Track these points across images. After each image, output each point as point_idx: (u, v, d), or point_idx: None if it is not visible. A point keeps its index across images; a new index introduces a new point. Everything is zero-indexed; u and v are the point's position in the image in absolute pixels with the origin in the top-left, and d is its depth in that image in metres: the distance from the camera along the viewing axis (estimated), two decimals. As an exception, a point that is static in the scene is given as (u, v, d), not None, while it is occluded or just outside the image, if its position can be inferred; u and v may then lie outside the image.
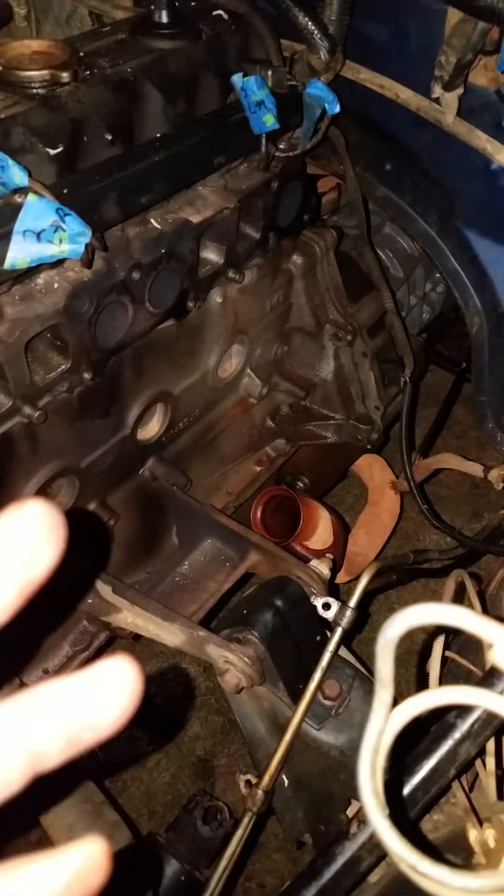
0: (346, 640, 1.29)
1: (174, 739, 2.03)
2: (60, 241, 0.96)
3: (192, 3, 1.44)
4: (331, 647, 1.25)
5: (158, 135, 1.25)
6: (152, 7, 1.33)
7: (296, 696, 1.27)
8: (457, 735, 0.86)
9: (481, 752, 0.92)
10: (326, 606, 1.28)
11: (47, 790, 1.19)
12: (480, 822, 0.93)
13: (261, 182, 1.44)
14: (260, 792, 1.23)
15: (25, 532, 0.28)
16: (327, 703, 1.32)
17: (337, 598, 1.28)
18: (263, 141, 1.38)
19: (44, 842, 1.27)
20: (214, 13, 1.42)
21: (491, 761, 0.95)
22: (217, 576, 1.48)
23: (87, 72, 1.20)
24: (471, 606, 1.18)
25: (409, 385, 1.87)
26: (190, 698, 2.11)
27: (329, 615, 1.27)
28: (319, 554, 1.78)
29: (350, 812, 1.28)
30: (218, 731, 2.06)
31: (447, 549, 1.95)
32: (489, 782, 0.96)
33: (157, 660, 2.15)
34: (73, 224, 0.96)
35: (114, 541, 1.47)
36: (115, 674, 0.29)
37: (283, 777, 1.34)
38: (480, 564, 2.12)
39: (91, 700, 0.29)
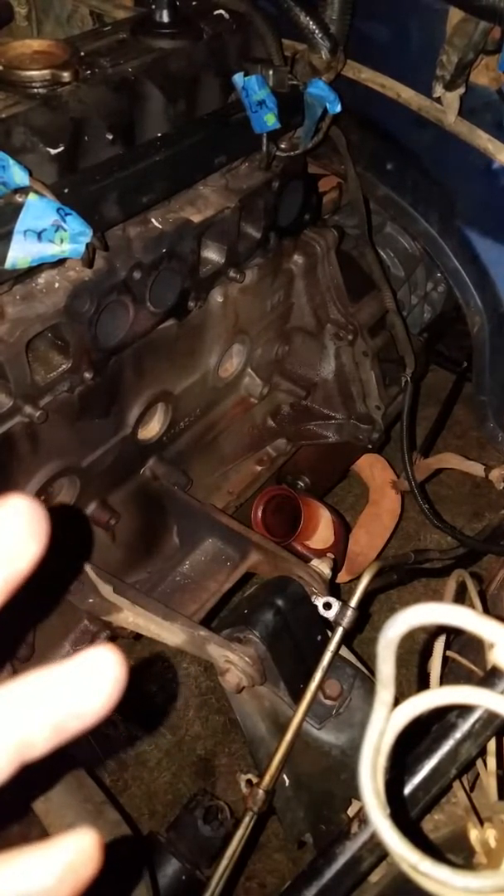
0: (346, 640, 1.29)
1: (174, 737, 2.03)
2: (61, 241, 0.96)
3: (193, 3, 1.44)
4: (332, 646, 1.24)
5: (159, 134, 1.25)
6: (153, 7, 1.33)
7: (297, 696, 1.27)
8: (458, 735, 0.86)
9: (482, 752, 0.92)
10: (327, 606, 1.27)
11: (36, 779, 1.20)
12: (481, 822, 0.93)
13: (262, 182, 1.44)
14: (261, 791, 1.23)
15: (8, 528, 0.29)
16: (328, 702, 1.32)
17: (338, 597, 1.28)
18: (264, 140, 1.38)
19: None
20: (215, 13, 1.42)
21: (492, 761, 0.95)
22: (218, 575, 1.48)
23: (88, 71, 1.20)
24: (472, 606, 1.18)
25: (410, 385, 1.87)
26: (190, 696, 2.11)
27: (330, 615, 1.27)
28: (320, 554, 1.78)
29: (351, 812, 1.28)
30: (219, 730, 2.06)
31: (448, 548, 1.95)
32: (490, 782, 0.96)
33: (157, 659, 2.15)
34: (74, 224, 0.96)
35: (113, 540, 1.47)
36: (99, 663, 0.29)
37: (284, 777, 1.34)
38: (481, 564, 2.12)
39: (76, 689, 0.29)
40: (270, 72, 1.36)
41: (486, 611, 1.36)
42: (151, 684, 2.11)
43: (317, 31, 1.41)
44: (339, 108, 1.40)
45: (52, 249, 0.96)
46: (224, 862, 1.22)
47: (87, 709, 0.29)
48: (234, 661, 1.23)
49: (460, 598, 1.24)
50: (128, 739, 1.97)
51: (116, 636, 1.47)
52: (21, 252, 0.94)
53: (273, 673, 1.30)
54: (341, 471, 2.25)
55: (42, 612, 1.29)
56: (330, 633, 1.27)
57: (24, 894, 0.27)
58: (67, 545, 1.28)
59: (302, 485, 2.00)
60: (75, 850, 0.28)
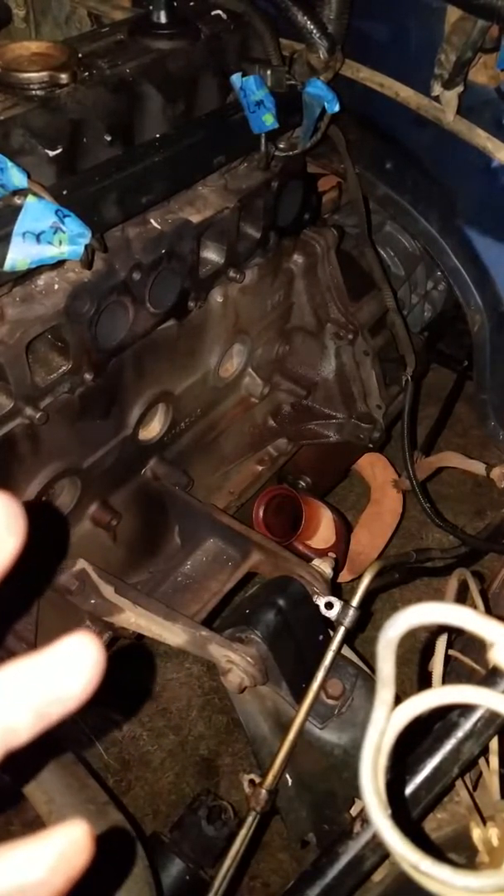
0: (348, 639, 1.29)
1: (178, 737, 2.04)
2: (60, 243, 0.96)
3: (191, 3, 1.44)
4: (333, 646, 1.24)
5: (158, 135, 1.25)
6: (151, 7, 1.33)
7: (299, 696, 1.27)
8: (460, 734, 0.86)
9: (484, 751, 0.92)
10: (329, 606, 1.27)
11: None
12: (484, 821, 0.93)
13: (261, 182, 1.44)
14: (263, 791, 1.23)
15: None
16: (330, 702, 1.32)
17: (339, 597, 1.28)
18: (263, 140, 1.38)
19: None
20: (213, 13, 1.42)
21: (494, 760, 0.95)
22: (219, 575, 1.48)
23: (87, 73, 1.20)
24: (473, 605, 1.18)
25: (411, 383, 1.87)
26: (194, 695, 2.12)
27: (331, 614, 1.27)
28: (321, 553, 1.78)
29: (353, 811, 1.28)
30: (222, 730, 2.06)
31: (449, 547, 1.95)
32: (493, 781, 0.96)
33: (160, 659, 2.15)
34: (73, 225, 0.96)
35: (115, 541, 1.47)
36: (77, 649, 0.30)
37: (287, 776, 1.34)
38: (483, 563, 2.12)
39: (56, 674, 0.30)
40: (268, 72, 1.36)
41: (488, 610, 1.36)
42: (153, 683, 2.11)
43: (315, 31, 1.41)
44: (337, 108, 1.40)
45: (50, 251, 0.96)
46: (228, 861, 1.22)
47: (68, 693, 0.30)
48: (235, 661, 1.23)
49: (462, 596, 1.24)
50: (130, 739, 1.97)
51: (118, 637, 1.47)
52: (20, 254, 0.94)
53: (275, 673, 1.30)
54: (342, 470, 2.25)
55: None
56: (332, 633, 1.27)
57: (18, 886, 0.27)
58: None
59: (303, 484, 2.00)
60: (66, 841, 0.28)
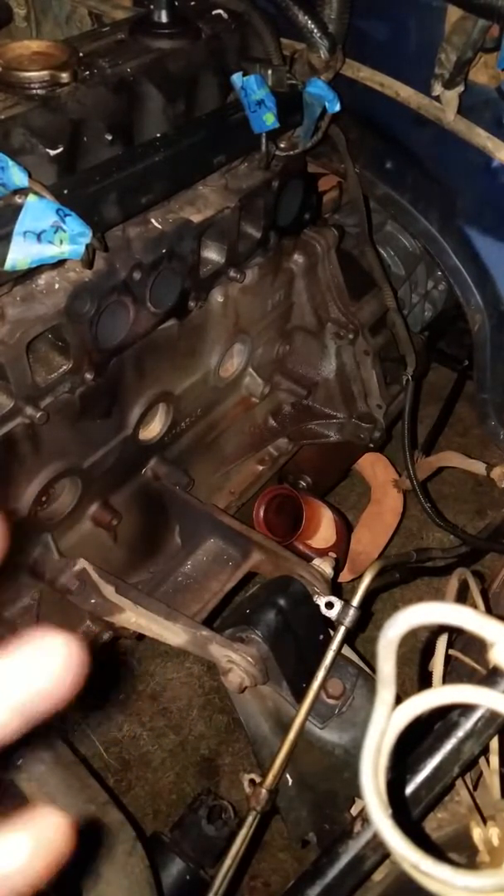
0: (349, 639, 1.29)
1: (178, 737, 2.04)
2: (61, 242, 0.96)
3: (192, 3, 1.44)
4: (334, 645, 1.24)
5: (158, 135, 1.25)
6: (152, 7, 1.33)
7: (299, 695, 1.27)
8: (460, 733, 0.86)
9: (485, 751, 0.92)
10: (329, 605, 1.27)
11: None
12: (484, 821, 0.93)
13: (261, 181, 1.44)
14: (264, 791, 1.23)
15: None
16: (331, 701, 1.32)
17: (340, 597, 1.28)
18: (264, 140, 1.38)
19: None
20: (214, 12, 1.42)
21: (495, 759, 0.96)
22: (220, 575, 1.48)
23: (87, 72, 1.20)
24: (474, 605, 1.18)
25: (412, 383, 1.87)
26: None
27: (332, 614, 1.27)
28: (322, 553, 1.78)
29: (354, 811, 1.28)
30: (222, 730, 2.06)
31: (450, 547, 1.95)
32: (493, 780, 0.96)
33: (161, 659, 2.15)
34: (74, 224, 0.96)
35: (115, 541, 1.48)
36: (47, 643, 0.30)
37: (287, 776, 1.34)
38: (484, 563, 2.12)
39: (33, 670, 0.30)
40: (269, 71, 1.36)
41: (488, 609, 1.36)
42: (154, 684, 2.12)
43: (315, 30, 1.41)
44: (338, 107, 1.40)
45: (51, 250, 0.96)
46: (228, 861, 1.22)
47: (50, 687, 0.30)
48: (236, 661, 1.23)
49: (462, 596, 1.24)
50: (132, 739, 1.97)
51: (119, 636, 1.47)
52: (20, 253, 0.94)
53: (275, 672, 1.30)
54: (343, 470, 2.25)
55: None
56: (332, 633, 1.27)
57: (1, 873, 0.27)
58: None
59: (304, 484, 2.00)
60: (45, 828, 0.29)
